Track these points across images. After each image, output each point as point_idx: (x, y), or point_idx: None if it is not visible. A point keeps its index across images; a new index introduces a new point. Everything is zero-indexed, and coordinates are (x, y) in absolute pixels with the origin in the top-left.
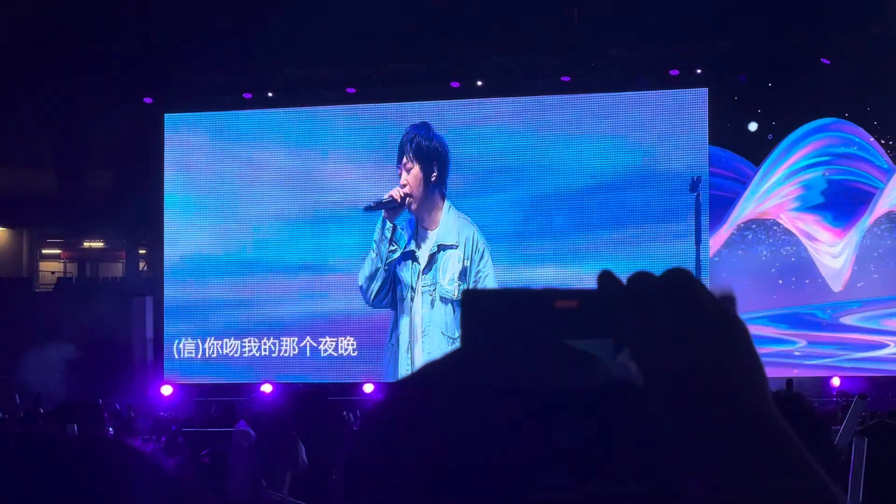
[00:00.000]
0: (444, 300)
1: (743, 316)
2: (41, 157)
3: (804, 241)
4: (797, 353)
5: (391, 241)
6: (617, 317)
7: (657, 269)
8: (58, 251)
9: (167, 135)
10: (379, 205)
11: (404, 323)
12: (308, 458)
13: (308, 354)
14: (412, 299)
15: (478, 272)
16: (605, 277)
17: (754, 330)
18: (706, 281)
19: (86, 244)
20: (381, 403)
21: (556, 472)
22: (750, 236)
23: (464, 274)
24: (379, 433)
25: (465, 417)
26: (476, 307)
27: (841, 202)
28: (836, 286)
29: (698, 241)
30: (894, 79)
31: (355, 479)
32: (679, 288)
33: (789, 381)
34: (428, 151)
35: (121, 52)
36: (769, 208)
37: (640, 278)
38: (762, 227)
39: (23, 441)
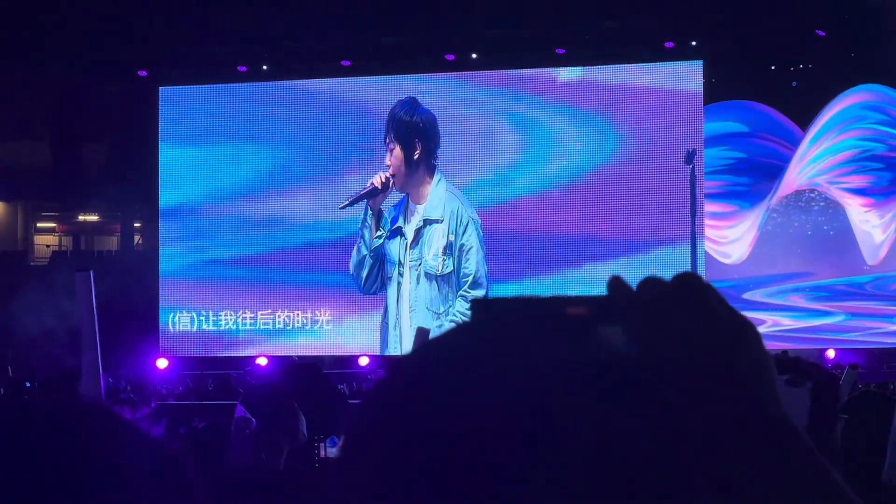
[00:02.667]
0: (428, 276)
1: (784, 287)
2: (36, 130)
3: (846, 211)
4: (839, 326)
5: (376, 228)
6: (628, 322)
7: (652, 242)
8: (53, 225)
9: (162, 108)
10: (357, 198)
11: (392, 298)
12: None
13: (304, 327)
14: (401, 274)
15: (461, 245)
16: (615, 283)
17: (796, 302)
18: (700, 250)
19: (81, 218)
20: (385, 377)
21: (557, 461)
22: (791, 207)
23: (448, 248)
24: (383, 405)
25: (470, 395)
26: (486, 315)
27: (883, 173)
28: (875, 258)
29: (693, 213)
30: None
31: (356, 449)
32: (689, 292)
33: (784, 352)
34: (409, 129)
35: (116, 26)
36: (810, 177)
37: (650, 283)
38: (805, 197)
39: (16, 410)
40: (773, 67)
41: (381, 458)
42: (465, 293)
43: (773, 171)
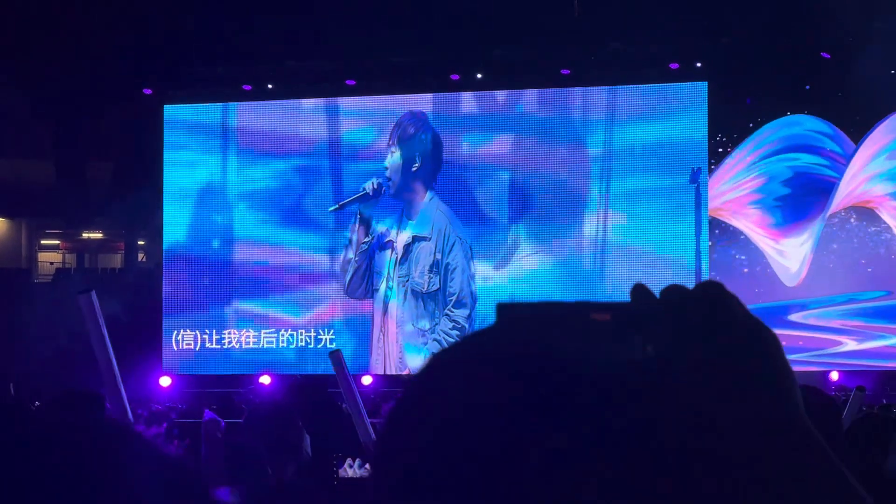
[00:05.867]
0: (415, 293)
1: (840, 308)
2: (40, 148)
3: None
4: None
5: (364, 234)
6: (650, 329)
7: (657, 261)
8: (57, 242)
9: (166, 126)
10: (348, 202)
11: (378, 311)
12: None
13: (306, 346)
14: (389, 289)
15: (447, 264)
16: (638, 290)
17: (853, 325)
18: (707, 271)
19: (85, 235)
20: (413, 384)
21: (584, 457)
22: (845, 223)
23: (435, 266)
24: (411, 412)
25: (497, 394)
26: (511, 318)
27: None
28: None
29: (698, 233)
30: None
31: (386, 462)
32: (712, 299)
33: None
34: (412, 141)
35: (120, 44)
36: (861, 194)
37: (673, 291)
38: (858, 213)
39: (31, 427)
40: (777, 88)
41: (413, 468)
42: (449, 312)
43: (825, 185)
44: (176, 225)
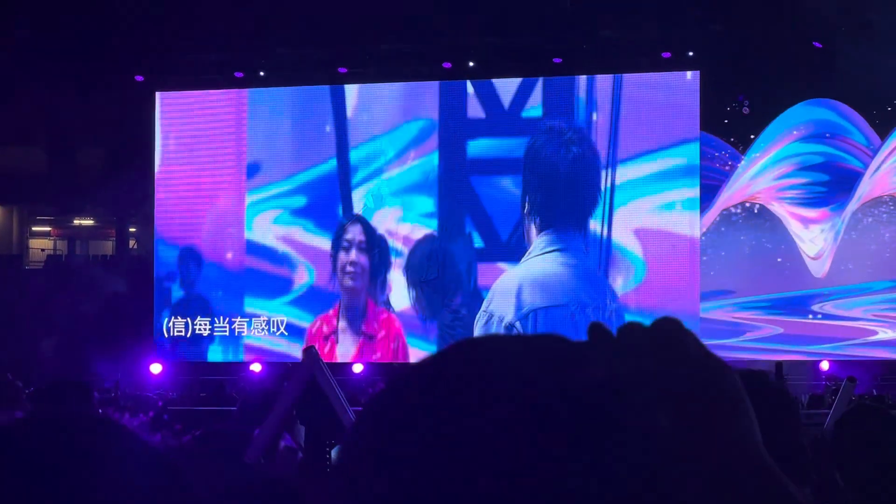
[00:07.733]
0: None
1: (866, 299)
2: (32, 134)
3: None
4: None
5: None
6: (608, 362)
7: (651, 254)
8: (48, 229)
9: (158, 113)
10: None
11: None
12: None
13: (298, 334)
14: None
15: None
16: (595, 330)
17: (882, 314)
18: (700, 260)
19: (76, 222)
20: (383, 392)
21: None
22: (870, 214)
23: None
24: (380, 422)
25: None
26: (470, 351)
27: None
28: None
29: (692, 224)
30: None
31: (351, 461)
32: (667, 338)
33: (778, 364)
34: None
35: (112, 30)
36: (886, 184)
37: (630, 329)
38: (884, 204)
39: (15, 421)
40: (768, 76)
41: (373, 473)
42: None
43: (850, 175)
44: (167, 212)
